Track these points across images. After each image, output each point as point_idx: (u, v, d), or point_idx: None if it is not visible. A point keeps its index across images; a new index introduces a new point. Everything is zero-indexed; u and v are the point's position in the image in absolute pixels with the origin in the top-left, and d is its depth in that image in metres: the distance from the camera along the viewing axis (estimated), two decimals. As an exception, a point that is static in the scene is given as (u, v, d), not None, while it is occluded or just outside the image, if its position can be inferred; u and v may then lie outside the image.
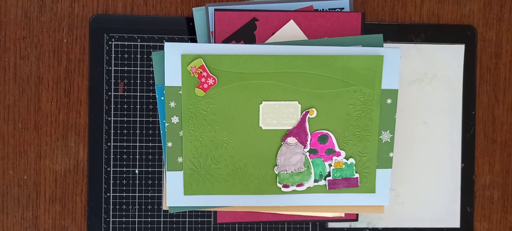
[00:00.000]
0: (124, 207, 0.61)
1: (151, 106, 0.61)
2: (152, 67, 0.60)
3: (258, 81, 0.57)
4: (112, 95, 0.60)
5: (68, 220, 0.61)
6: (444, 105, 0.63)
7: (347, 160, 0.59)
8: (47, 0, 0.60)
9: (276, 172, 0.59)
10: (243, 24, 0.58)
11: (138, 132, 0.61)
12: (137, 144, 0.61)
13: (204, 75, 0.56)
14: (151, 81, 0.60)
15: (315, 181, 0.59)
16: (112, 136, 0.60)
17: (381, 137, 0.59)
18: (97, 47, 0.60)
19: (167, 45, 0.56)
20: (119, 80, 0.60)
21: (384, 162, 0.59)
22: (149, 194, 0.61)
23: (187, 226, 0.62)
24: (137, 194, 0.61)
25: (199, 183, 0.59)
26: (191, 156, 0.58)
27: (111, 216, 0.61)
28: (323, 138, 0.59)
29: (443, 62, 0.62)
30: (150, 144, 0.61)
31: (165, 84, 0.57)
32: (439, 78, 0.62)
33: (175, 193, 0.59)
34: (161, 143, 0.61)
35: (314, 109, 0.58)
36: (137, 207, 0.61)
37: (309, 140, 0.58)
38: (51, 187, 0.61)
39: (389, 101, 0.58)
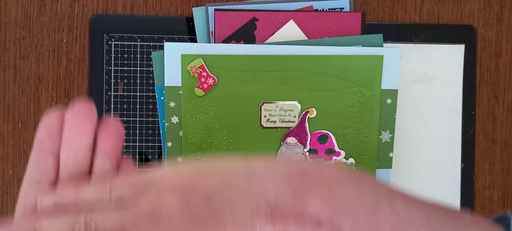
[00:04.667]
0: (124, 207, 0.61)
1: (151, 106, 0.61)
2: (152, 67, 0.60)
3: (258, 81, 0.57)
4: (112, 95, 0.60)
5: (68, 220, 0.61)
6: (444, 105, 0.63)
7: (347, 160, 0.59)
8: (47, 0, 0.60)
9: (276, 172, 0.59)
10: (243, 24, 0.58)
11: (138, 131, 0.61)
12: (137, 144, 0.61)
13: (204, 75, 0.56)
14: (151, 81, 0.60)
15: (315, 181, 0.59)
16: (112, 136, 0.60)
17: (381, 137, 0.59)
18: (97, 47, 0.60)
19: (167, 45, 0.56)
20: (119, 80, 0.60)
21: (384, 162, 0.59)
22: (149, 194, 0.61)
23: (187, 226, 0.61)
24: (137, 194, 0.61)
25: (199, 183, 0.59)
26: (191, 156, 0.58)
27: (111, 216, 0.61)
28: (323, 138, 0.59)
29: (443, 62, 0.62)
30: (150, 144, 0.61)
31: (165, 84, 0.57)
32: (439, 78, 0.62)
33: (175, 193, 0.59)
34: (161, 143, 0.61)
35: (314, 109, 0.58)
36: (137, 207, 0.61)
37: (309, 140, 0.58)
38: (51, 187, 0.61)
39: (389, 101, 0.58)
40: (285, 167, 0.31)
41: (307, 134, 0.58)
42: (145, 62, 0.60)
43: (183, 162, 0.32)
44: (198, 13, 0.59)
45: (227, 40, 0.58)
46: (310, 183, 0.30)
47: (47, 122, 0.31)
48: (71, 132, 0.31)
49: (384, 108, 0.58)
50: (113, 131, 0.32)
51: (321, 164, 0.31)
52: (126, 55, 0.60)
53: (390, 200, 0.31)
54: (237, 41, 0.58)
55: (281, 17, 0.58)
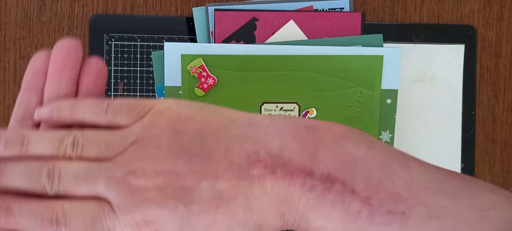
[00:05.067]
0: (124, 207, 0.61)
1: (151, 106, 0.60)
2: (152, 67, 0.60)
3: (258, 81, 0.57)
4: (112, 95, 0.60)
5: (68, 220, 0.61)
6: (444, 105, 0.63)
7: (347, 160, 0.59)
8: (47, 0, 0.60)
9: (276, 172, 0.59)
10: (243, 24, 0.58)
11: (138, 132, 0.61)
12: (137, 144, 0.61)
13: (204, 75, 0.56)
14: (151, 81, 0.60)
15: (315, 181, 0.59)
16: (112, 136, 0.60)
17: (381, 137, 0.59)
18: (97, 47, 0.60)
19: (167, 45, 0.56)
20: (119, 80, 0.60)
21: (384, 162, 0.59)
22: (149, 194, 0.61)
23: (187, 226, 0.61)
24: (137, 194, 0.61)
25: (199, 183, 0.59)
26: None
27: (111, 216, 0.61)
28: (323, 138, 0.59)
29: (443, 62, 0.62)
30: (150, 144, 0.61)
31: (165, 84, 0.57)
32: (439, 78, 0.62)
33: (175, 193, 0.59)
34: (161, 143, 0.61)
35: (314, 109, 0.58)
36: (137, 207, 0.61)
37: (309, 140, 0.58)
38: (51, 187, 0.61)
39: (389, 101, 0.58)
40: (291, 122, 0.28)
41: (307, 134, 0.58)
42: (145, 62, 0.60)
43: (186, 99, 0.30)
44: (198, 13, 0.59)
45: (227, 40, 0.58)
46: (318, 138, 0.27)
47: (34, 63, 0.30)
48: (54, 68, 0.30)
49: (384, 108, 0.59)
50: (94, 70, 0.31)
51: (327, 121, 0.29)
52: (126, 55, 0.60)
53: (403, 160, 0.28)
54: (237, 41, 0.58)
55: (281, 17, 0.58)
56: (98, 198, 0.26)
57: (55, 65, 0.30)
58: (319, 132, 0.28)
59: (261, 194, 0.26)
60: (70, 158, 0.27)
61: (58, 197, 0.27)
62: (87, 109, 0.29)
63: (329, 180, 0.26)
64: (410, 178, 0.27)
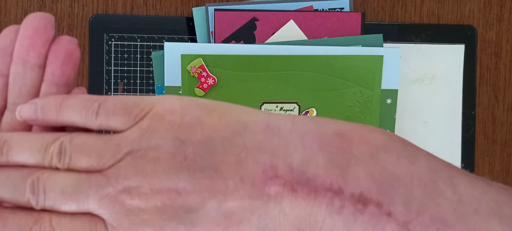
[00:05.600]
0: (124, 207, 0.61)
1: (151, 106, 0.60)
2: (152, 67, 0.60)
3: (258, 81, 0.57)
4: (112, 95, 0.60)
5: (68, 220, 0.61)
6: (444, 105, 0.63)
7: (347, 160, 0.59)
8: (47, 0, 0.60)
9: (276, 172, 0.59)
10: (243, 24, 0.58)
11: (138, 132, 0.61)
12: (137, 144, 0.61)
13: (204, 75, 0.56)
14: (151, 81, 0.60)
15: (315, 181, 0.59)
16: (112, 136, 0.60)
17: (381, 137, 0.59)
18: (97, 47, 0.60)
19: (167, 45, 0.56)
20: (119, 80, 0.60)
21: (384, 162, 0.59)
22: (149, 194, 0.61)
23: (187, 226, 0.61)
24: (137, 194, 0.61)
25: (199, 183, 0.59)
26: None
27: (111, 216, 0.61)
28: (323, 138, 0.59)
29: (443, 62, 0.62)
30: (150, 144, 0.61)
31: (165, 85, 0.57)
32: (439, 78, 0.62)
33: (175, 193, 0.59)
34: (161, 143, 0.61)
35: (314, 109, 0.58)
36: (137, 207, 0.61)
37: (309, 140, 0.58)
38: (51, 187, 0.61)
39: (389, 101, 0.58)
40: (318, 127, 0.24)
41: (307, 134, 0.58)
42: (145, 62, 0.60)
43: (193, 97, 0.25)
44: (198, 13, 0.59)
45: (227, 40, 0.58)
46: (350, 150, 0.24)
47: (1, 39, 0.27)
48: (21, 47, 0.26)
49: (384, 108, 0.59)
50: (63, 51, 0.27)
51: (363, 126, 0.25)
52: (126, 55, 0.60)
53: (450, 176, 0.24)
54: (237, 41, 0.58)
55: (281, 17, 0.58)
56: (89, 214, 0.24)
57: (21, 44, 0.26)
58: (353, 141, 0.24)
59: (278, 214, 0.23)
60: (57, 169, 0.24)
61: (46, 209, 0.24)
62: (76, 110, 0.25)
63: (361, 201, 0.23)
64: (458, 199, 0.23)
